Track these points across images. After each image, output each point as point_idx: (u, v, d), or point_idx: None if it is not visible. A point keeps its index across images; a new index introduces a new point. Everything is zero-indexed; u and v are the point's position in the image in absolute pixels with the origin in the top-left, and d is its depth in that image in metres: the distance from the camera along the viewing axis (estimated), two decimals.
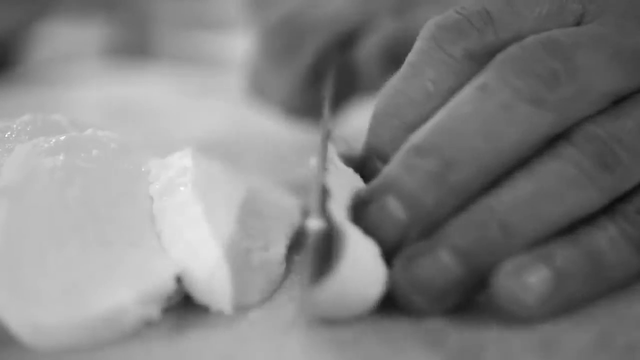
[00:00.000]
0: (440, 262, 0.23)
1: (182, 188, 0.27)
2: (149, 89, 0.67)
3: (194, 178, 0.27)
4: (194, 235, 0.25)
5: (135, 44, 0.97)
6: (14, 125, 0.29)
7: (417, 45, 0.27)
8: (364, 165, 0.28)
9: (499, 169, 0.24)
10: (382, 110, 0.27)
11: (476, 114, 0.24)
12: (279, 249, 0.28)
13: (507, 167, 0.24)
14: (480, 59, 0.26)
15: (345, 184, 0.26)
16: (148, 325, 0.24)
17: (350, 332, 0.24)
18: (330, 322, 0.24)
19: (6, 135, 0.28)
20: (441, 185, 0.24)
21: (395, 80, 0.27)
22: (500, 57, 0.25)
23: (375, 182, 0.25)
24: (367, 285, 0.23)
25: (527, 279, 0.23)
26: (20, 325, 0.22)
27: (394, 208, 0.24)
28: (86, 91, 0.65)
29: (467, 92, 0.25)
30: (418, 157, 0.24)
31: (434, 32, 0.27)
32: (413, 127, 0.26)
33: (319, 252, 0.24)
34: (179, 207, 0.26)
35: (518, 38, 0.26)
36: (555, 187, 0.24)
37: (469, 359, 0.22)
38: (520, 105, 0.24)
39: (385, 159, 0.26)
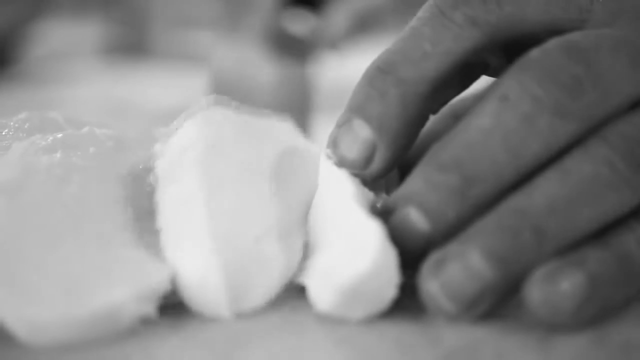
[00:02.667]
0: (472, 267, 0.23)
1: (185, 171, 0.26)
2: (147, 87, 0.67)
3: (199, 155, 0.26)
4: (190, 233, 0.25)
5: (132, 42, 0.97)
6: (11, 123, 0.29)
7: (420, 12, 0.27)
8: None
9: (520, 178, 0.24)
10: (376, 66, 0.26)
11: (497, 127, 0.24)
12: (297, 238, 0.27)
13: (528, 174, 0.24)
14: (482, 27, 0.26)
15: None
16: (145, 322, 0.24)
17: (347, 329, 0.24)
18: (338, 321, 0.24)
19: (3, 133, 0.28)
20: (462, 200, 0.24)
21: (393, 42, 0.27)
22: (520, 62, 0.25)
23: (397, 193, 0.25)
24: (383, 287, 0.23)
25: (561, 285, 0.22)
26: (16, 322, 0.22)
27: (416, 219, 0.24)
28: (83, 89, 0.65)
29: (487, 102, 0.24)
30: (439, 172, 0.24)
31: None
32: (405, 83, 0.26)
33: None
34: (179, 197, 0.25)
35: (521, 15, 0.26)
36: (590, 189, 0.23)
37: (465, 356, 0.22)
38: (542, 116, 0.24)
39: (370, 118, 0.26)
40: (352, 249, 0.24)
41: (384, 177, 0.28)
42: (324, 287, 0.24)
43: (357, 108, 0.26)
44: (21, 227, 0.24)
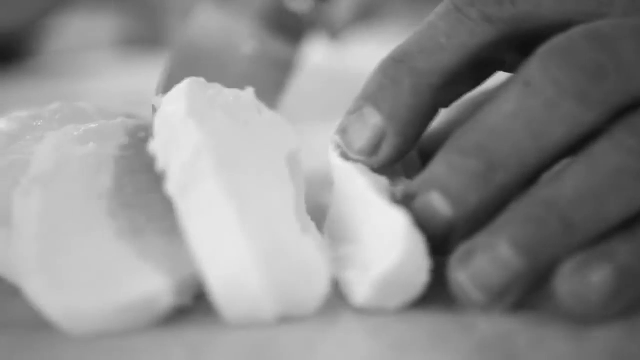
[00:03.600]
0: (501, 257, 0.23)
1: (203, 182, 0.24)
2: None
3: (214, 162, 0.24)
4: (222, 241, 0.23)
5: (148, 35, 0.97)
6: (43, 114, 0.29)
7: (437, 8, 0.27)
8: None
9: (542, 164, 0.24)
10: (391, 56, 0.27)
11: (520, 112, 0.24)
12: (315, 233, 0.27)
13: (551, 160, 0.24)
14: (496, 24, 0.26)
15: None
16: (180, 311, 0.24)
17: (381, 319, 0.24)
18: (373, 311, 0.24)
19: (36, 124, 0.28)
20: (485, 185, 0.24)
21: (411, 34, 0.27)
22: (544, 48, 0.25)
23: (420, 178, 0.25)
24: (416, 274, 0.24)
25: (590, 278, 0.22)
26: (56, 310, 0.23)
27: (439, 204, 0.24)
28: (103, 81, 0.66)
29: (511, 87, 0.25)
30: (462, 157, 0.24)
31: None
32: (418, 74, 0.26)
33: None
34: (204, 208, 0.24)
35: (536, 12, 0.26)
36: (617, 181, 0.23)
37: (499, 345, 0.22)
38: (565, 102, 0.24)
39: (381, 105, 0.26)
40: (380, 240, 0.24)
41: (391, 165, 0.28)
42: (358, 281, 0.24)
43: (369, 96, 0.26)
44: (57, 216, 0.24)
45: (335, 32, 0.56)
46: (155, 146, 0.25)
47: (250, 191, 0.24)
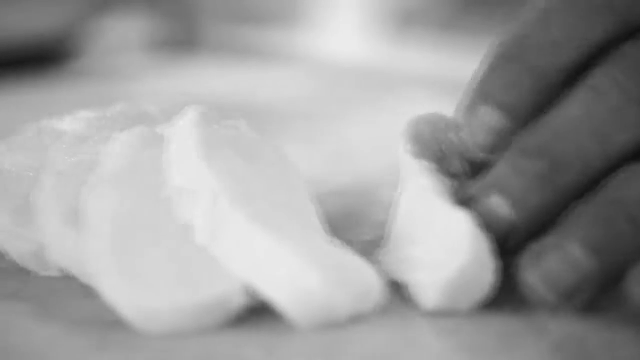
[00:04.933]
0: (571, 257, 0.23)
1: (229, 223, 0.24)
2: (205, 80, 0.68)
3: (233, 201, 0.24)
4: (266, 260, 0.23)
5: (182, 37, 0.98)
6: (108, 114, 0.29)
7: None
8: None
9: (605, 168, 0.24)
10: (502, 53, 0.26)
11: (585, 116, 0.24)
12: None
13: (614, 165, 0.24)
14: (618, 12, 0.25)
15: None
16: (253, 312, 0.24)
17: (450, 321, 0.24)
18: (443, 313, 0.24)
19: (101, 124, 0.29)
20: (548, 187, 0.24)
21: (519, 25, 0.26)
22: (612, 55, 0.25)
23: (483, 180, 0.25)
24: (483, 277, 0.24)
25: None
26: (130, 309, 0.23)
27: (500, 206, 0.24)
28: (143, 83, 0.66)
29: (577, 92, 0.24)
30: (525, 158, 0.24)
31: None
32: (536, 73, 0.25)
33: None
34: (241, 245, 0.24)
35: None
36: None
37: (572, 347, 0.22)
38: (630, 108, 0.24)
39: (499, 105, 0.25)
40: (447, 242, 0.24)
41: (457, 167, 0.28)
42: (426, 284, 0.24)
43: (487, 95, 0.26)
44: (129, 216, 0.25)
45: None
46: (171, 192, 0.26)
47: (274, 216, 0.25)
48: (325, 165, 0.41)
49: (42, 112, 0.52)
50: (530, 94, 0.25)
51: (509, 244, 0.25)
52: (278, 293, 0.23)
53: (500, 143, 0.26)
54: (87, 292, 0.25)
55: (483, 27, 0.83)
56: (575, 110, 0.24)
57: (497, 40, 0.27)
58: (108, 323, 0.23)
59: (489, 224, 0.24)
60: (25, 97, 0.62)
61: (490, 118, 0.26)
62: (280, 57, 0.87)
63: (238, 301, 0.23)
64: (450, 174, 0.27)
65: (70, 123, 0.29)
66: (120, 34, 0.92)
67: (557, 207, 0.24)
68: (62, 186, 0.26)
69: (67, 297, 0.25)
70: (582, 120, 0.24)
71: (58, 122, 0.30)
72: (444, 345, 0.23)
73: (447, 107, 0.29)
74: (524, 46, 0.26)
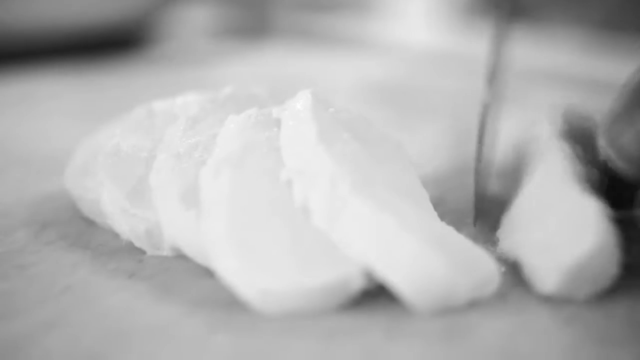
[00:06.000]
0: None
1: (348, 207, 0.24)
2: (273, 67, 0.68)
3: (352, 186, 0.24)
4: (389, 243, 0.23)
5: (253, 25, 0.98)
6: (219, 97, 0.29)
7: None
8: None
9: None
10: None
11: None
12: None
13: None
14: None
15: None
16: (367, 294, 0.24)
17: (572, 308, 0.23)
18: (560, 300, 0.24)
19: (213, 106, 0.29)
20: None
21: None
22: None
23: None
24: (607, 265, 0.23)
25: None
26: (249, 290, 0.23)
27: None
28: (218, 70, 0.67)
29: None
30: None
31: None
32: None
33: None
34: (361, 227, 0.24)
35: None
36: None
37: None
38: None
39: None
40: (572, 227, 0.24)
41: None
42: (546, 268, 0.24)
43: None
44: (247, 198, 0.25)
45: None
46: (287, 174, 0.26)
47: (393, 200, 0.25)
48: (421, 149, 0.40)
49: (123, 97, 0.53)
50: None
51: None
52: (399, 277, 0.23)
53: None
54: (203, 272, 0.25)
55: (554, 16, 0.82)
56: None
57: None
58: (226, 303, 0.24)
59: None
60: (105, 81, 0.63)
61: None
62: (352, 43, 0.87)
63: (357, 284, 0.23)
64: (586, 161, 0.27)
65: (182, 106, 0.29)
66: (194, 22, 0.93)
67: None
68: (179, 168, 0.26)
69: (183, 278, 0.26)
70: None
71: (169, 104, 0.30)
72: (571, 334, 0.22)
73: None
74: None
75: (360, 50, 0.81)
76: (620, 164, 0.25)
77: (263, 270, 0.23)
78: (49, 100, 0.55)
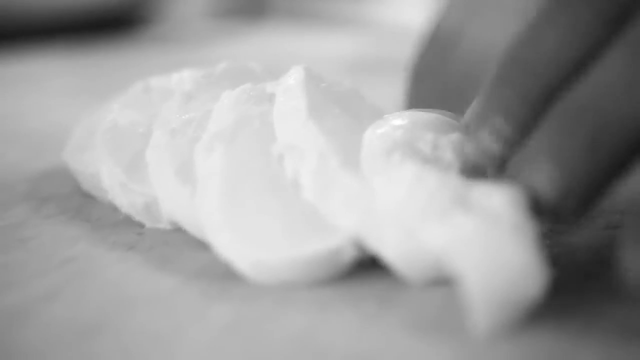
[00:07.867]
0: None
1: (338, 182, 0.24)
2: (273, 48, 0.68)
3: (342, 161, 0.24)
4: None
5: (247, 6, 0.98)
6: (214, 73, 0.30)
7: None
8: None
9: None
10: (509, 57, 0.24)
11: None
12: None
13: None
14: None
15: None
16: (361, 265, 0.24)
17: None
18: None
19: (209, 82, 0.29)
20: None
21: (521, 26, 0.24)
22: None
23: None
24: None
25: None
26: (244, 263, 0.24)
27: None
28: (215, 49, 0.67)
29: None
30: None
31: None
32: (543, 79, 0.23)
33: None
34: (350, 203, 0.24)
35: None
36: None
37: None
38: None
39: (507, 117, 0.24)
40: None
41: None
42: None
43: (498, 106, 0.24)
44: (240, 172, 0.25)
45: None
46: (279, 149, 0.26)
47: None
48: None
49: (121, 75, 0.53)
50: (539, 102, 0.23)
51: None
52: (389, 250, 0.23)
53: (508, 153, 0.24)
54: (200, 245, 0.26)
55: None
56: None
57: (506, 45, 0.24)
58: (222, 274, 0.24)
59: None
60: (104, 61, 0.63)
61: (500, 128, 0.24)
62: (348, 23, 0.87)
63: (349, 254, 0.24)
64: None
65: (178, 81, 0.30)
66: (192, 2, 0.93)
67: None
68: (175, 143, 0.27)
69: (181, 250, 0.26)
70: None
71: (165, 80, 0.30)
72: None
73: None
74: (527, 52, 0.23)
75: (355, 29, 0.81)
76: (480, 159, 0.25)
77: (255, 242, 0.24)
78: (48, 79, 0.56)
